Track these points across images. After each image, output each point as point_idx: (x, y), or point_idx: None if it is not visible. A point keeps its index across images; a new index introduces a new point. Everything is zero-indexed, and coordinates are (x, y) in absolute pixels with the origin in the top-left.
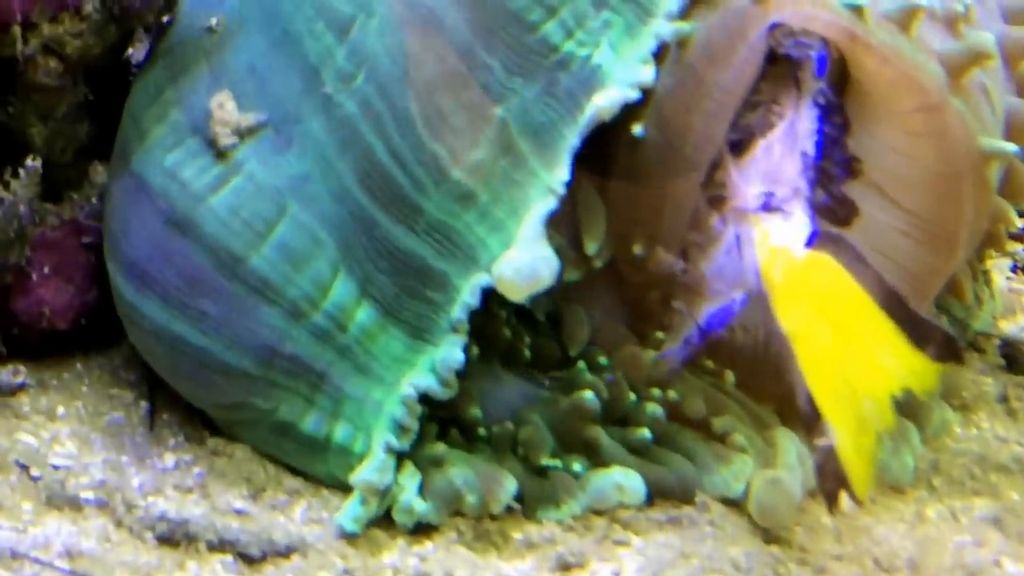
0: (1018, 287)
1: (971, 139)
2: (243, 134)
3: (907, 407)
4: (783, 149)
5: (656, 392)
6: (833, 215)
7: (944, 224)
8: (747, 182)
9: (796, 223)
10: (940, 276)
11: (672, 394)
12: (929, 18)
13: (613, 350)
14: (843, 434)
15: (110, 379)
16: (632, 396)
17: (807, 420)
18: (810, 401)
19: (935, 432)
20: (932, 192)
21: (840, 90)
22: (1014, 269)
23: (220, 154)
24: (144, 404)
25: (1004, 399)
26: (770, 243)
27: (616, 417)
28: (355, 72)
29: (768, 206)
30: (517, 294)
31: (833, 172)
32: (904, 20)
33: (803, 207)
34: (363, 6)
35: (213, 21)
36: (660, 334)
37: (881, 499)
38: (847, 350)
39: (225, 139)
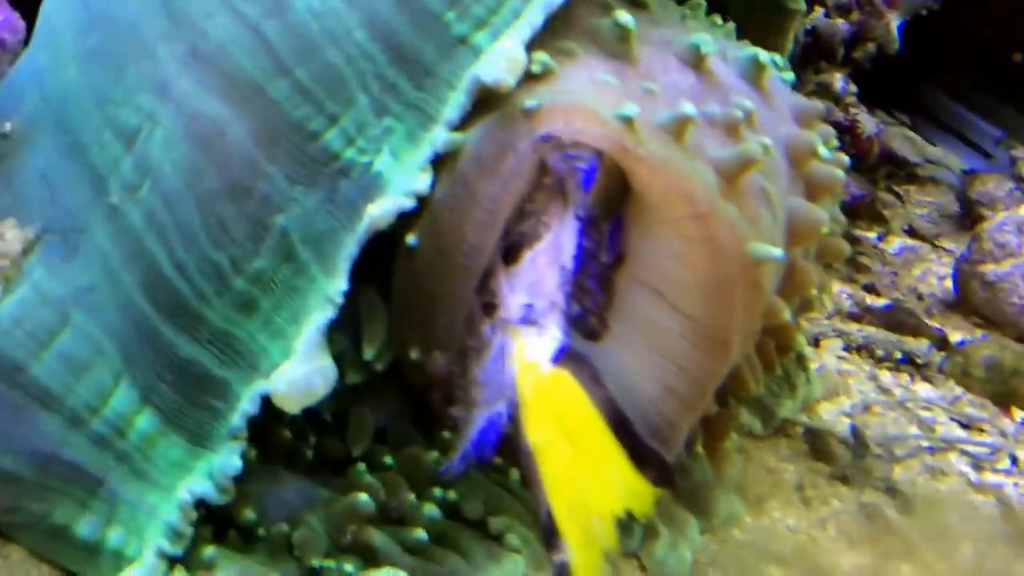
0: (848, 368)
1: (742, 244)
2: (27, 251)
3: (691, 498)
4: (546, 261)
5: (437, 492)
6: (585, 329)
7: (717, 327)
8: (513, 292)
9: (549, 337)
10: (715, 376)
11: (452, 494)
12: (708, 124)
13: (399, 449)
14: (576, 551)
15: None
16: (412, 497)
17: (546, 535)
18: (549, 516)
19: (723, 523)
20: (705, 296)
21: (622, 197)
22: (846, 349)
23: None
24: None
25: (800, 487)
26: (524, 357)
27: (395, 517)
28: (140, 182)
29: (527, 319)
30: (292, 406)
31: (587, 286)
32: (676, 129)
33: (558, 321)
34: (149, 116)
35: (7, 127)
36: (446, 434)
37: None
38: (582, 469)
39: (5, 271)
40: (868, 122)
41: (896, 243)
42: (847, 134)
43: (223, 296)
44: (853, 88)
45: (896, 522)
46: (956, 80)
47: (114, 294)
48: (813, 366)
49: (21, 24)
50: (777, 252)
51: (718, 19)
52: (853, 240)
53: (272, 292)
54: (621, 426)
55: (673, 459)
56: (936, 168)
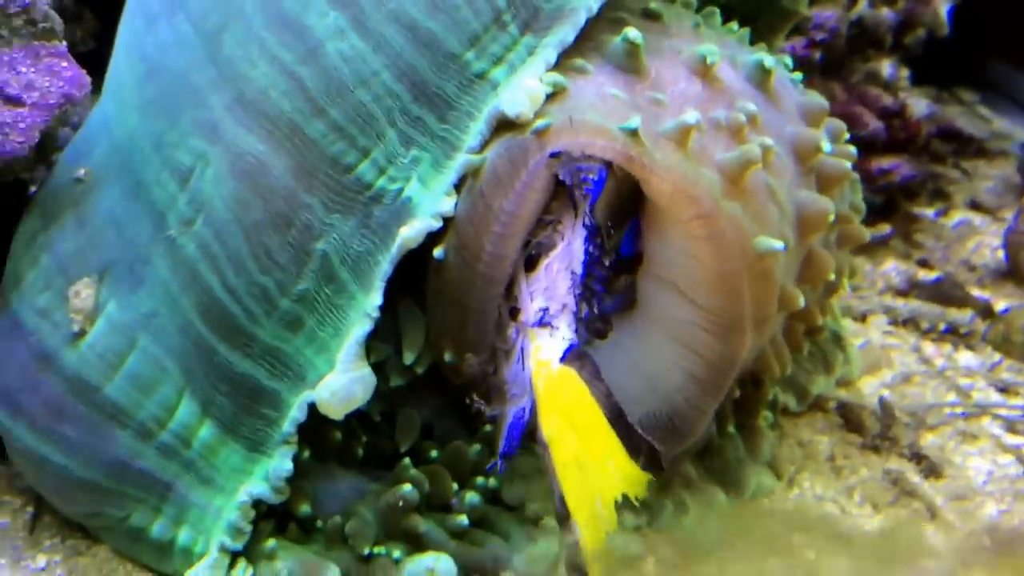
0: (893, 342)
1: (746, 239)
2: (100, 306)
3: (722, 474)
4: (559, 267)
5: (479, 480)
6: (594, 329)
7: (729, 317)
8: (532, 297)
9: (559, 338)
10: (732, 361)
11: (492, 482)
12: (713, 129)
13: (444, 444)
14: (585, 532)
15: (5, 486)
16: (455, 486)
17: (560, 518)
18: (562, 501)
19: (753, 495)
20: (716, 289)
21: (639, 201)
22: (892, 323)
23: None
24: (29, 510)
25: (832, 458)
26: (539, 357)
27: (440, 505)
28: (194, 217)
29: (542, 321)
30: (336, 413)
31: (594, 289)
32: (679, 137)
33: (568, 322)
34: (201, 157)
35: (81, 172)
36: (488, 427)
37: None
38: (587, 458)
39: (78, 325)
40: (918, 104)
41: (956, 217)
42: (897, 118)
43: (271, 316)
44: (904, 73)
45: (920, 487)
46: (1021, 52)
47: (174, 318)
48: (855, 343)
49: (87, 79)
50: (779, 244)
51: (734, 25)
52: (909, 218)
53: (315, 310)
54: (617, 417)
55: (701, 440)
56: (1005, 141)
